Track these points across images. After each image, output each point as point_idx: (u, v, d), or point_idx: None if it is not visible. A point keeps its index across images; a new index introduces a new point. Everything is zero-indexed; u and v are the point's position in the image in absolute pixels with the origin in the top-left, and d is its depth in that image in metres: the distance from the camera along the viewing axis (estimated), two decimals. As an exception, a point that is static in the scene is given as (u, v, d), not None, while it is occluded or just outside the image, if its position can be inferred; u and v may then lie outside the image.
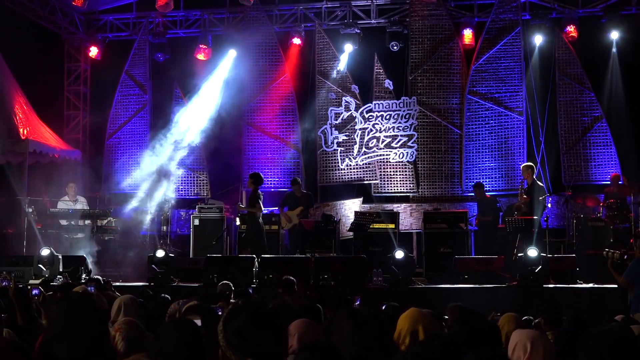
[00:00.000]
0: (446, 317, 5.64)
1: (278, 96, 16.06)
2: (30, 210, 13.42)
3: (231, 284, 8.10)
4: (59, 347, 3.01)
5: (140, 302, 5.12)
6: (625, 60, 14.54)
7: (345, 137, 15.60)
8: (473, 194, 14.07)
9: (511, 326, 4.73)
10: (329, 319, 4.41)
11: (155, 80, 16.48)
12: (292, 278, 8.92)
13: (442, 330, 4.67)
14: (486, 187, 14.52)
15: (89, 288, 6.63)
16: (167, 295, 6.96)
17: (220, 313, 4.84)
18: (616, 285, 9.11)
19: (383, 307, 6.03)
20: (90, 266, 12.07)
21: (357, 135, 15.52)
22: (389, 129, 15.35)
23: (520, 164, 14.53)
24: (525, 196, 11.86)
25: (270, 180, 15.78)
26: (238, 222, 13.72)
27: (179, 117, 15.83)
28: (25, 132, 13.99)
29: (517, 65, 15.00)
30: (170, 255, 12.28)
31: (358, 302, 7.13)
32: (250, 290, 8.92)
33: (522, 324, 4.94)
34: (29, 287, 7.34)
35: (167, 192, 15.15)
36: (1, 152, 13.89)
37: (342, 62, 15.67)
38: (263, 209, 12.75)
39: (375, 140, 15.41)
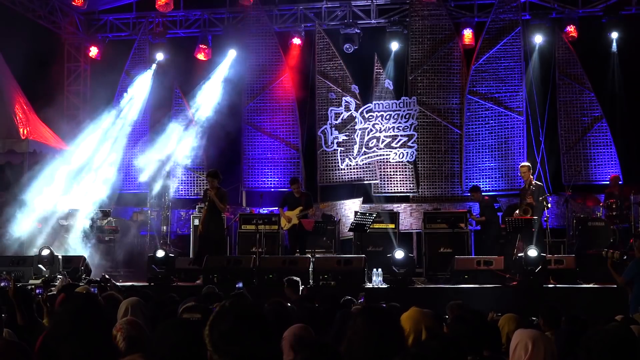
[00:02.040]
0: (447, 316, 5.64)
1: (278, 96, 16.06)
2: (30, 210, 13.42)
3: (216, 288, 8.07)
4: (63, 349, 3.01)
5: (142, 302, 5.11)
6: (625, 60, 14.53)
7: (345, 137, 15.59)
8: (470, 196, 13.98)
9: (512, 326, 4.73)
10: (338, 318, 4.40)
11: (155, 80, 16.46)
12: (297, 278, 8.96)
13: (442, 330, 4.67)
14: (486, 187, 14.54)
15: (92, 289, 6.63)
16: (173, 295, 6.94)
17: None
18: (616, 285, 9.11)
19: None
20: (90, 266, 12.07)
21: (357, 135, 15.51)
22: (389, 129, 15.34)
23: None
24: (530, 197, 11.82)
25: (270, 180, 15.79)
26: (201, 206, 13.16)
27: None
28: (25, 132, 14.00)
29: (517, 65, 14.99)
30: (170, 255, 12.27)
31: (362, 300, 7.13)
32: (240, 285, 8.92)
33: (522, 324, 4.93)
34: (31, 286, 7.36)
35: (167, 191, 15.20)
36: (1, 152, 13.90)
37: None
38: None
39: (375, 140, 15.40)
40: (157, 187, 15.42)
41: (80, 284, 7.95)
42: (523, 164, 12.76)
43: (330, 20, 16.00)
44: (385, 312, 3.18)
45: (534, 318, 6.63)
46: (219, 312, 2.48)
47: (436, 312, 5.28)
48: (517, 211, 12.15)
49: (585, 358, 2.86)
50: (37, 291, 6.13)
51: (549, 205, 11.95)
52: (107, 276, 10.25)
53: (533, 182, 12.22)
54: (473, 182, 14.45)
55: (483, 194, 13.78)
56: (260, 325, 2.45)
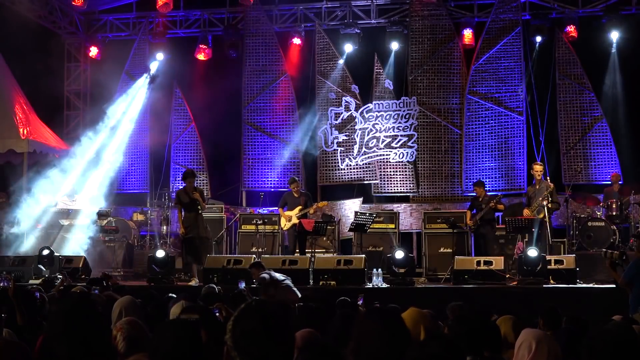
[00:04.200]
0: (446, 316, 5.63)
1: (278, 96, 16.06)
2: (30, 210, 13.41)
3: (215, 287, 8.05)
4: (60, 348, 3.01)
5: (139, 302, 5.09)
6: (625, 60, 14.54)
7: (345, 137, 15.59)
8: (474, 193, 13.91)
9: (507, 328, 4.71)
10: (338, 318, 4.39)
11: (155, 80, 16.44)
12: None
13: (441, 330, 4.67)
14: (486, 187, 14.49)
15: (94, 290, 6.61)
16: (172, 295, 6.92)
17: (217, 314, 4.83)
18: (616, 285, 9.10)
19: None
20: (90, 266, 12.06)
21: (357, 135, 15.51)
22: (389, 129, 15.34)
23: (520, 164, 14.56)
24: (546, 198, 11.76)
25: (270, 180, 15.79)
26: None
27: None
28: (25, 132, 13.99)
29: (517, 65, 14.98)
30: (170, 255, 12.26)
31: (361, 302, 7.11)
32: (242, 285, 8.94)
33: (517, 326, 4.92)
34: (31, 287, 7.35)
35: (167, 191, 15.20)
36: (1, 152, 13.90)
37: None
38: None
39: (375, 140, 15.40)
40: (157, 187, 15.41)
41: (80, 284, 7.95)
42: (539, 162, 12.61)
43: (330, 20, 16.00)
44: (395, 313, 3.18)
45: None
46: (244, 310, 2.47)
47: (436, 313, 5.28)
48: (526, 210, 12.07)
49: (587, 358, 2.86)
50: (36, 294, 6.13)
51: (552, 206, 11.88)
52: (107, 273, 10.23)
53: (550, 185, 12.07)
54: (473, 182, 14.39)
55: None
56: (283, 328, 2.45)
